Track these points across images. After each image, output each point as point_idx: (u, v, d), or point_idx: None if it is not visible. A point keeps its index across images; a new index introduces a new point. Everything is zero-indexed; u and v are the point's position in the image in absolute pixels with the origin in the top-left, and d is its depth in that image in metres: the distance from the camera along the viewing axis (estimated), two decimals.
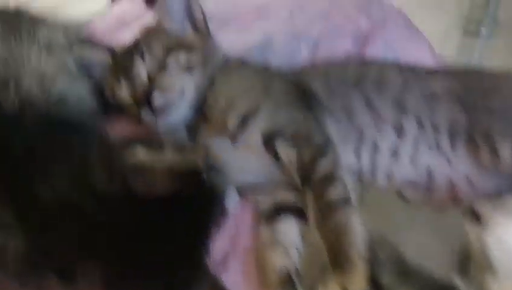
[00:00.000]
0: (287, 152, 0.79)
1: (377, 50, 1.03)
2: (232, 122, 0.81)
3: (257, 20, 1.06)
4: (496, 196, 0.73)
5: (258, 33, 1.04)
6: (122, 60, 0.87)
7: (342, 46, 1.04)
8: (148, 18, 1.16)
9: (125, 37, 1.14)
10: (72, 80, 0.92)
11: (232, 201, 0.84)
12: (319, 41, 1.04)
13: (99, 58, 0.92)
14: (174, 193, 0.68)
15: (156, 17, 0.90)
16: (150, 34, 0.88)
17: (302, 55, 1.04)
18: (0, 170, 0.73)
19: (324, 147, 0.77)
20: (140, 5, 1.18)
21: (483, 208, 0.70)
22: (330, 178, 0.75)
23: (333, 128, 0.82)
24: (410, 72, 0.89)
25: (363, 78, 0.87)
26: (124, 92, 0.87)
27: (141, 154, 0.67)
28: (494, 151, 0.80)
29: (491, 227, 0.67)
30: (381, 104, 0.84)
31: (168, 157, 0.68)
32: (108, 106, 0.95)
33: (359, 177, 0.83)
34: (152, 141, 0.74)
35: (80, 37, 1.01)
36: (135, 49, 0.86)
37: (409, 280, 0.68)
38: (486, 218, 0.68)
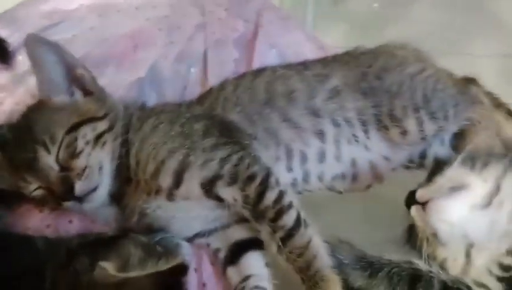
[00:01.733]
0: (230, 194, 0.78)
1: (262, 51, 1.04)
2: (166, 182, 0.78)
3: (136, 51, 0.99)
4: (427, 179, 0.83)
5: (142, 65, 0.98)
6: (16, 153, 0.77)
7: (228, 56, 1.03)
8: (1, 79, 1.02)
9: None
10: None
11: (189, 255, 0.82)
12: (204, 56, 1.02)
13: None
14: None
15: (39, 92, 0.79)
16: (41, 116, 0.78)
17: (194, 76, 1.01)
18: None
19: (265, 178, 0.78)
20: None
21: (422, 192, 0.78)
22: (281, 208, 0.77)
23: (264, 154, 0.83)
24: (308, 72, 0.92)
25: (272, 94, 0.88)
26: (33, 187, 0.77)
27: (111, 269, 0.61)
28: (402, 128, 0.89)
29: (431, 207, 0.76)
30: (297, 115, 0.86)
31: (142, 263, 0.64)
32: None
33: (294, 187, 0.87)
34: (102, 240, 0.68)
35: None
36: (31, 139, 0.75)
37: (376, 277, 0.75)
38: (424, 200, 0.77)
